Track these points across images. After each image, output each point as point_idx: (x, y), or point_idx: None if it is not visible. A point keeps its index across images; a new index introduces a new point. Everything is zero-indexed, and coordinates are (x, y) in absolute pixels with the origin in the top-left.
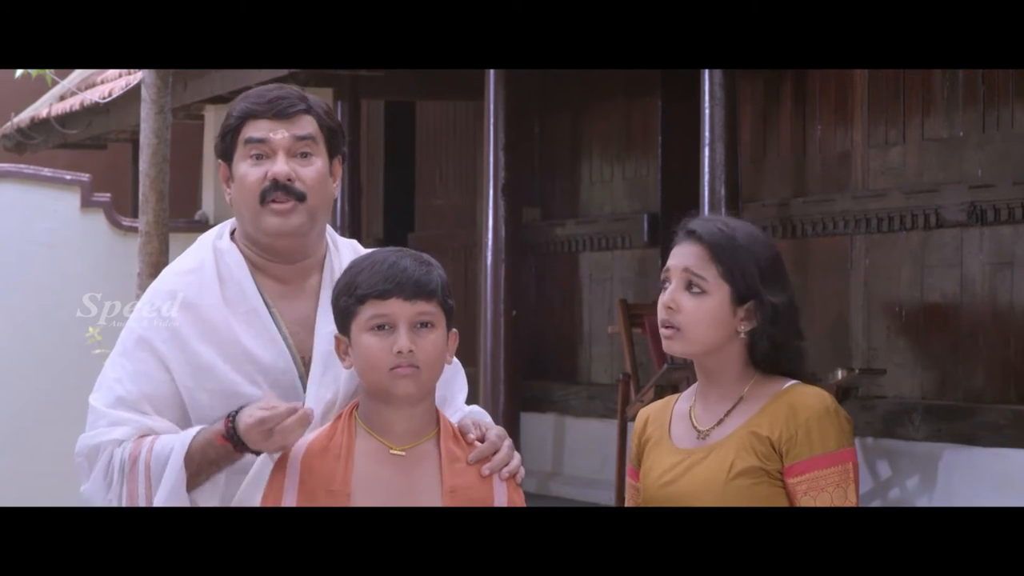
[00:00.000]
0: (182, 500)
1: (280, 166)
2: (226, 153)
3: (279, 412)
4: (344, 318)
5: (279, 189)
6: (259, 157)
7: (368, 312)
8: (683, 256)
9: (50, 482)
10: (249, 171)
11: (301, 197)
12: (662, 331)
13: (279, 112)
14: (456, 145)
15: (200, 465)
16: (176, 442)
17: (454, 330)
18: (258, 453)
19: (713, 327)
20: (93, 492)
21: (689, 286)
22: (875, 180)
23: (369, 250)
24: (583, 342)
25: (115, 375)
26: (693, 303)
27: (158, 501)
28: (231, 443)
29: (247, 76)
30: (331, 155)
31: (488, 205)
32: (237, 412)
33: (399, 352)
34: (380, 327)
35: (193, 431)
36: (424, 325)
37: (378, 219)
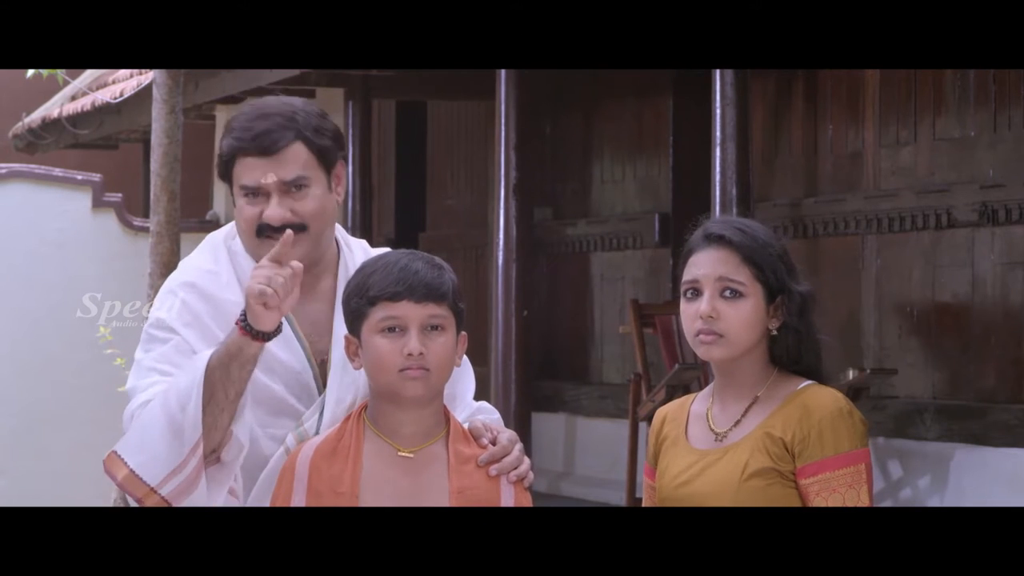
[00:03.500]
0: (197, 412)
1: (272, 209)
2: (226, 179)
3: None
4: (355, 319)
5: (277, 230)
6: (254, 196)
7: (379, 314)
8: (713, 263)
9: (62, 481)
10: (244, 207)
11: (302, 228)
12: (701, 339)
13: (265, 149)
14: (468, 145)
15: (220, 364)
16: (194, 363)
17: (463, 333)
18: (269, 337)
19: (753, 328)
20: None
21: (724, 292)
22: (886, 180)
23: (380, 250)
24: (594, 342)
25: (143, 357)
26: (732, 308)
27: (185, 414)
28: (244, 328)
29: (259, 76)
30: (328, 170)
31: (499, 205)
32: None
33: (409, 354)
34: (391, 329)
35: (209, 350)
36: (435, 328)
37: (389, 219)
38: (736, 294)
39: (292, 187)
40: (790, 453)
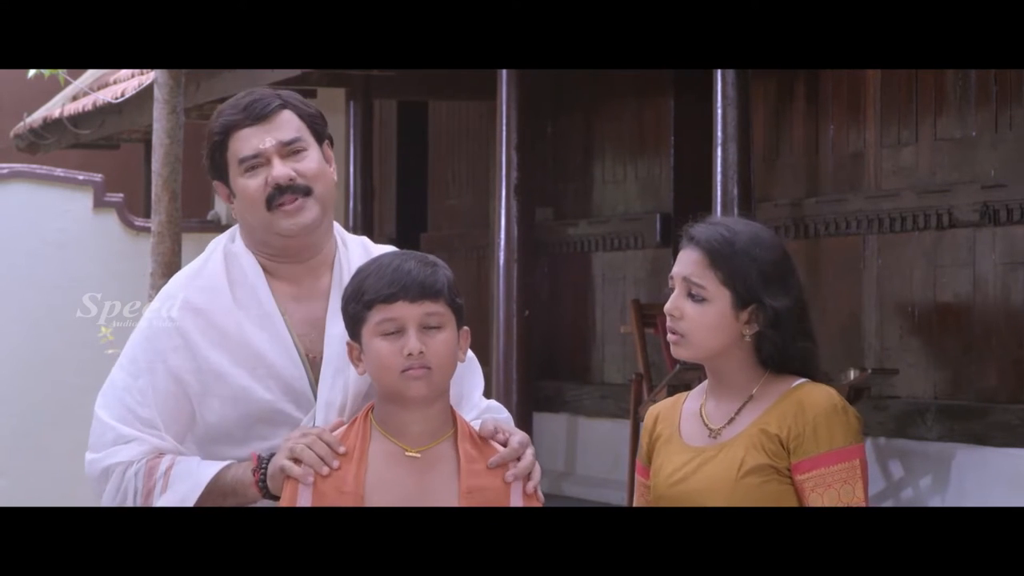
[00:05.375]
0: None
1: (278, 170)
2: (219, 172)
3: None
4: (354, 324)
5: (285, 192)
6: (254, 167)
7: (376, 317)
8: (684, 263)
9: (62, 482)
10: (248, 183)
11: (307, 191)
12: (668, 337)
13: (258, 115)
14: (469, 145)
15: (218, 492)
16: (196, 475)
17: (465, 328)
18: (276, 498)
19: (716, 332)
20: None
21: (690, 293)
22: (888, 180)
23: (380, 247)
24: (596, 342)
25: (123, 385)
26: (695, 310)
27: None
28: (260, 487)
29: (259, 76)
30: (319, 142)
31: (500, 205)
32: (269, 458)
33: (409, 354)
34: (389, 331)
35: (216, 467)
36: (433, 326)
37: (391, 219)
38: (700, 297)
39: (291, 151)
40: (785, 449)
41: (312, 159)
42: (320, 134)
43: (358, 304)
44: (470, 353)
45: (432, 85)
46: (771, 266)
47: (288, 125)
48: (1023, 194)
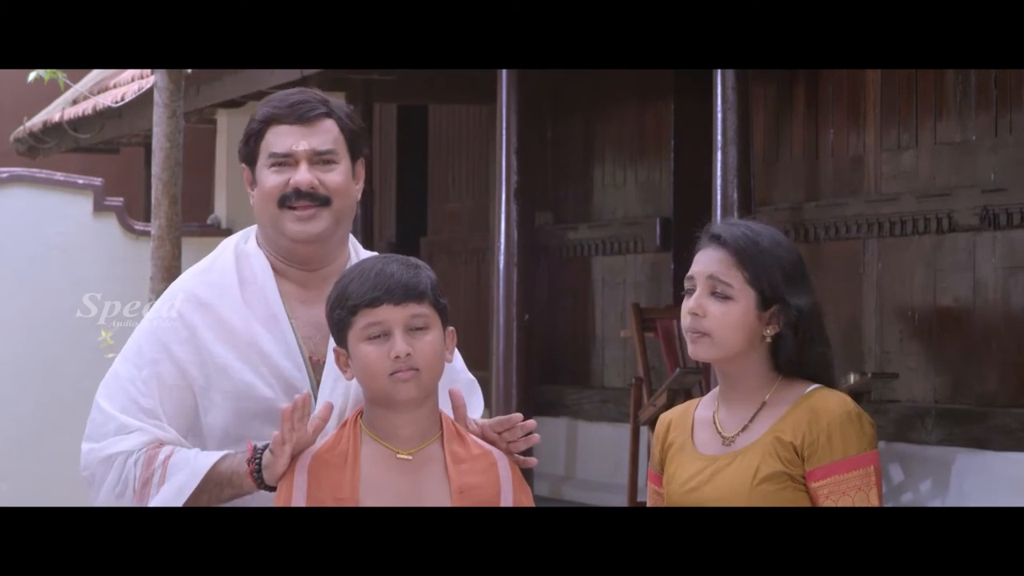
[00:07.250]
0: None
1: (302, 174)
2: (250, 158)
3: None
4: (340, 330)
5: (303, 197)
6: (282, 165)
7: (361, 321)
8: (708, 262)
9: (64, 485)
10: (270, 177)
11: (326, 201)
12: (689, 336)
13: (301, 116)
14: (468, 149)
15: (215, 482)
16: (194, 464)
17: (451, 328)
18: (272, 489)
19: (740, 332)
20: (105, 504)
21: (714, 291)
22: (888, 184)
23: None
24: (596, 346)
25: (127, 376)
26: (720, 308)
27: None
28: (255, 478)
29: (260, 80)
30: (353, 158)
31: (500, 209)
32: (263, 449)
33: (396, 357)
34: (375, 335)
35: (214, 457)
36: (418, 328)
37: (391, 223)
38: (725, 295)
39: (321, 160)
40: (800, 457)
41: (339, 173)
42: (356, 150)
43: (343, 310)
44: (471, 375)
45: (432, 89)
46: (792, 266)
47: (327, 134)
48: (1023, 198)
